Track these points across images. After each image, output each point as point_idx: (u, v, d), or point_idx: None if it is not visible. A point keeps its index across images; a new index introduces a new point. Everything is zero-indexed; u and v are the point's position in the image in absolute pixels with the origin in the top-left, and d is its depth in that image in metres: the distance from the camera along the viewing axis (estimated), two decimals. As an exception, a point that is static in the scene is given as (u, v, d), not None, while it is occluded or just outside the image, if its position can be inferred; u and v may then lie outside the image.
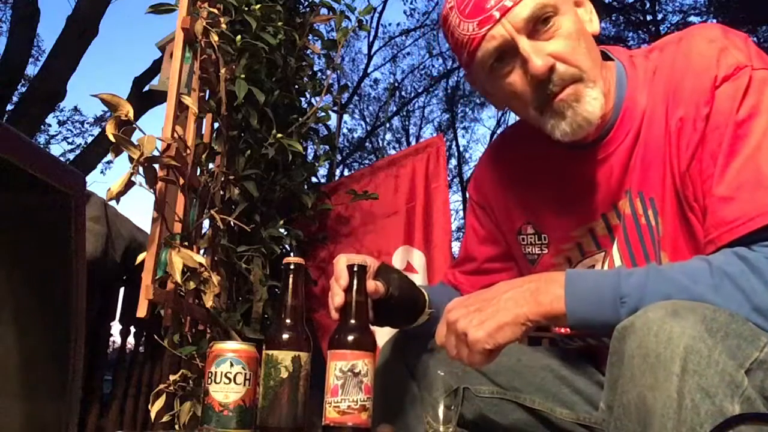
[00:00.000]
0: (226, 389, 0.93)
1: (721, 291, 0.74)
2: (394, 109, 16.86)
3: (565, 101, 0.88)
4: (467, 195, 1.35)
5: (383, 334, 2.34)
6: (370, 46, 15.53)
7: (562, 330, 1.07)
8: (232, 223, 1.59)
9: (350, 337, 0.96)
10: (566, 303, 0.80)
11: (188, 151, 1.39)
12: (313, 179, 2.29)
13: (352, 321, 0.98)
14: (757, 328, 0.69)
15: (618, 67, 0.95)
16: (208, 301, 1.35)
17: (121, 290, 2.64)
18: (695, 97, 0.84)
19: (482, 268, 1.20)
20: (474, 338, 0.81)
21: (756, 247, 0.76)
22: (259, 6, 1.73)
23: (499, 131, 18.19)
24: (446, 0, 0.93)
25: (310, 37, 2.07)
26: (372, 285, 0.99)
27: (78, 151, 10.74)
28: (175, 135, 1.33)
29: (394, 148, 16.90)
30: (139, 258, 1.29)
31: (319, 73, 2.35)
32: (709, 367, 0.63)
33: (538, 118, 0.92)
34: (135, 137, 1.15)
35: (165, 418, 1.40)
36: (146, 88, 6.38)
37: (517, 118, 1.06)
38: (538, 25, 0.86)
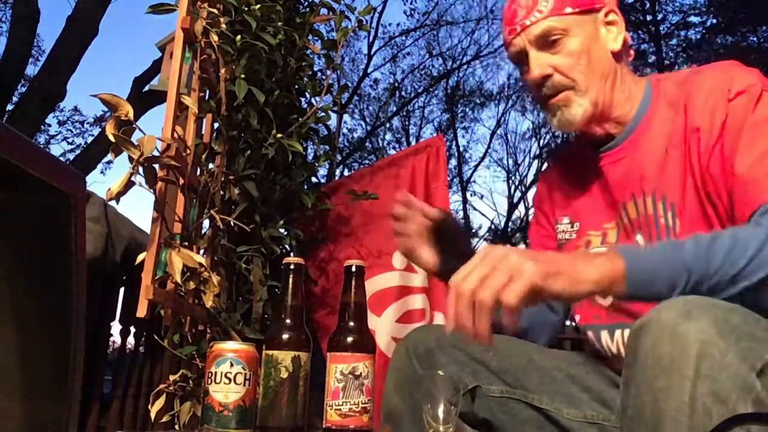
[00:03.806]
0: (226, 389, 0.93)
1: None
2: (394, 109, 16.86)
3: (555, 104, 1.08)
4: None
5: (383, 335, 2.34)
6: (370, 46, 15.54)
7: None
8: (232, 223, 1.59)
9: (350, 340, 0.96)
10: (626, 265, 0.79)
11: (188, 151, 1.39)
12: (313, 179, 2.29)
13: (352, 323, 0.98)
14: None
15: (647, 86, 1.12)
16: (208, 301, 1.35)
17: (121, 290, 2.64)
18: (711, 109, 0.97)
19: None
20: (530, 272, 0.75)
21: None
22: (259, 6, 1.73)
23: (499, 131, 18.24)
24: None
25: (310, 37, 2.07)
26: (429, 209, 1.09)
27: (78, 151, 10.75)
28: (175, 135, 1.33)
29: (394, 148, 16.92)
30: (139, 258, 1.29)
31: (319, 73, 2.35)
32: (722, 371, 0.64)
33: (542, 109, 1.14)
34: (135, 137, 1.15)
35: (165, 418, 1.40)
36: (146, 88, 6.39)
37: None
38: (548, 41, 1.06)
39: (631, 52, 1.15)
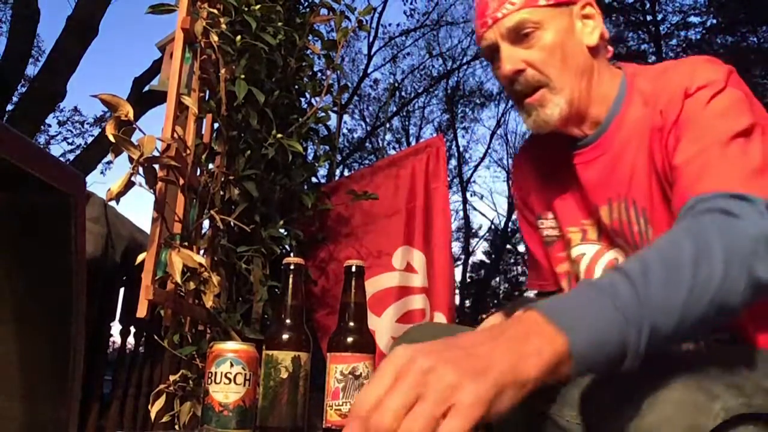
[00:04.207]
0: (226, 389, 0.93)
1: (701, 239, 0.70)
2: (394, 109, 16.86)
3: (531, 104, 1.03)
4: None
5: (383, 335, 2.34)
6: (370, 47, 15.54)
7: None
8: (231, 223, 1.59)
9: (350, 340, 0.96)
10: (569, 342, 0.61)
11: (188, 152, 1.39)
12: (313, 179, 2.29)
13: (352, 323, 0.98)
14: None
15: (622, 81, 1.07)
16: (208, 301, 1.35)
17: (121, 290, 2.64)
18: (669, 106, 0.93)
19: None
20: (471, 399, 0.53)
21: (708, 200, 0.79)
22: (259, 6, 1.73)
23: (499, 131, 18.24)
24: None
25: (310, 37, 2.07)
26: None
27: (78, 152, 10.75)
28: (175, 135, 1.33)
29: (394, 148, 16.92)
30: (139, 258, 1.29)
31: (319, 74, 2.35)
32: None
33: (516, 108, 1.08)
34: (135, 137, 1.15)
35: (165, 418, 1.40)
36: (146, 89, 6.39)
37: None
38: (520, 35, 1.01)
39: (609, 48, 1.09)
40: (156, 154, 1.22)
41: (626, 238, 1.02)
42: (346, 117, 15.64)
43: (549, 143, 1.15)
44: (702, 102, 0.90)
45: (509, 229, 17.61)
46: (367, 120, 17.19)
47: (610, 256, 1.09)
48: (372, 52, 15.70)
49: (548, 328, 0.61)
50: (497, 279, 19.72)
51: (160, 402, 1.37)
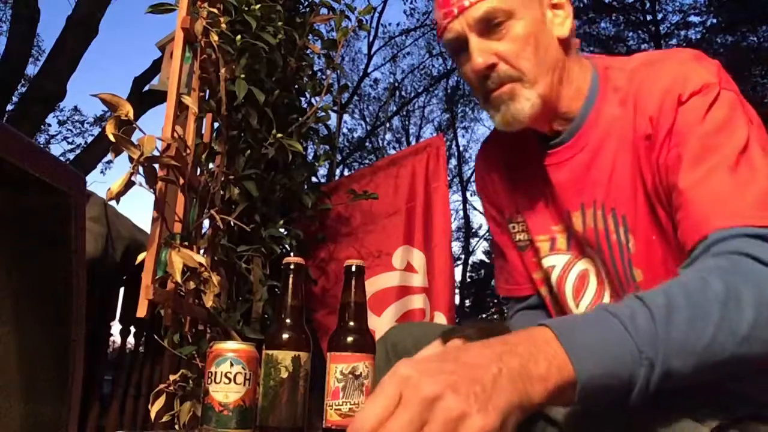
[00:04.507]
0: (226, 389, 0.93)
1: (730, 295, 0.66)
2: (394, 109, 16.86)
3: (499, 97, 0.95)
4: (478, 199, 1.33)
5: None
6: (370, 46, 15.55)
7: None
8: (232, 223, 1.59)
9: (350, 339, 0.96)
10: (577, 373, 0.60)
11: (188, 151, 1.39)
12: (313, 179, 2.29)
13: (352, 323, 0.98)
14: None
15: (593, 75, 1.00)
16: (208, 301, 1.35)
17: (121, 290, 2.64)
18: (662, 114, 0.86)
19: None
20: (478, 427, 0.52)
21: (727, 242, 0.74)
22: (259, 6, 1.73)
23: (499, 131, 18.23)
24: None
25: (310, 36, 2.07)
26: None
27: (78, 151, 10.75)
28: (175, 135, 1.33)
29: (394, 148, 16.93)
30: (139, 258, 1.29)
31: (319, 73, 2.35)
32: None
33: (482, 105, 1.00)
34: (135, 137, 1.15)
35: (165, 418, 1.40)
36: (146, 88, 6.39)
37: None
38: (490, 26, 0.93)
39: (576, 40, 1.02)
40: (156, 153, 1.22)
41: (602, 247, 0.96)
42: (346, 117, 15.65)
43: (515, 140, 1.08)
44: (699, 113, 0.83)
45: (509, 229, 17.57)
46: (367, 120, 17.20)
47: (580, 267, 1.03)
48: (372, 52, 15.71)
49: (559, 352, 0.59)
50: (497, 279, 19.68)
51: (160, 402, 1.37)
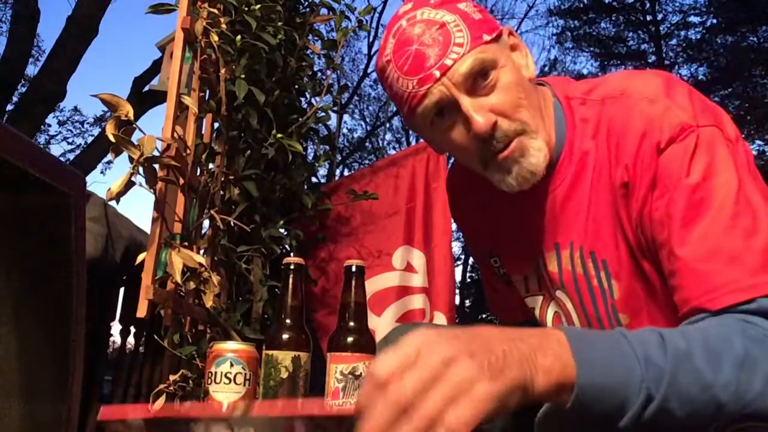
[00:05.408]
0: (226, 389, 0.93)
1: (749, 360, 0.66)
2: (394, 109, 16.85)
3: (509, 158, 0.86)
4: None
5: (383, 335, 2.33)
6: (370, 46, 15.54)
7: None
8: (232, 223, 1.59)
9: (350, 339, 0.96)
10: (578, 374, 0.61)
11: (188, 151, 1.39)
12: (313, 179, 2.29)
13: (352, 323, 0.98)
14: None
15: (556, 106, 0.93)
16: (208, 301, 1.35)
17: (121, 290, 2.64)
18: (638, 162, 0.82)
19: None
20: (482, 394, 0.55)
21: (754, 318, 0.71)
22: (259, 6, 1.73)
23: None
24: (381, 50, 0.90)
25: (310, 37, 2.07)
26: None
27: (78, 151, 10.76)
28: (175, 135, 1.33)
29: (394, 148, 16.93)
30: (139, 258, 1.29)
31: (319, 73, 2.35)
32: None
33: (482, 171, 0.91)
34: (135, 137, 1.15)
35: (165, 418, 1.40)
36: (146, 88, 6.39)
37: None
38: (477, 80, 0.84)
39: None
40: (156, 153, 1.22)
41: (581, 291, 0.92)
42: (346, 117, 15.65)
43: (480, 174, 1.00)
44: (681, 163, 0.78)
45: (509, 229, 17.58)
46: (367, 120, 17.20)
47: (552, 311, 1.01)
48: (372, 52, 15.70)
49: (566, 353, 0.61)
50: (497, 279, 19.68)
51: (160, 402, 1.37)
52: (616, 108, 0.86)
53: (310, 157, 2.22)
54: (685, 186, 0.77)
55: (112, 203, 1.48)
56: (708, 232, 0.75)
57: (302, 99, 2.15)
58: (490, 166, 0.88)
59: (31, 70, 9.85)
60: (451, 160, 1.13)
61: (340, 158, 14.71)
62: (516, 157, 0.86)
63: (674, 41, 14.01)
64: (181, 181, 1.38)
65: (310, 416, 0.58)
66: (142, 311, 1.23)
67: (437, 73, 0.83)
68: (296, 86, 2.06)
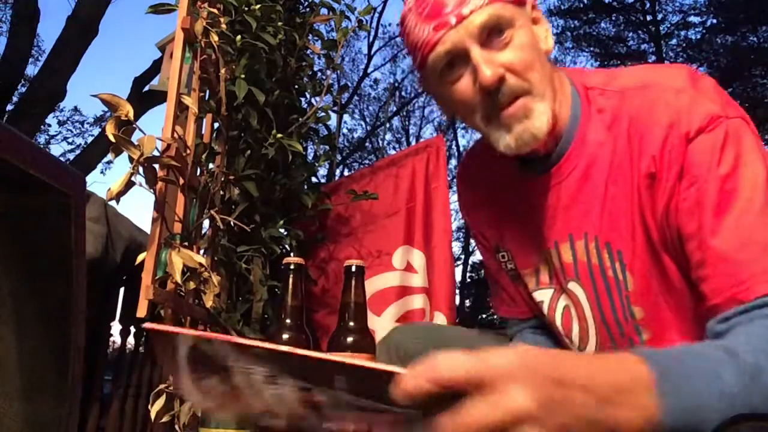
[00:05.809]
0: (226, 389, 0.93)
1: None
2: (394, 109, 16.87)
3: (513, 116, 0.85)
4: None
5: (383, 335, 2.33)
6: (370, 46, 15.56)
7: None
8: (232, 223, 1.59)
9: (350, 340, 0.96)
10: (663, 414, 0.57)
11: (188, 151, 1.39)
12: (313, 179, 2.29)
13: (352, 323, 0.98)
14: None
15: (573, 95, 0.92)
16: (208, 301, 1.35)
17: (121, 290, 2.64)
18: (665, 152, 0.81)
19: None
20: None
21: None
22: (259, 6, 1.73)
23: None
24: (406, 1, 0.92)
25: (310, 37, 2.07)
26: None
27: (78, 151, 10.76)
28: (175, 135, 1.33)
29: (394, 148, 16.94)
30: (139, 258, 1.29)
31: (319, 73, 2.35)
32: None
33: (483, 128, 0.90)
34: (135, 137, 1.15)
35: (165, 419, 1.40)
36: (146, 88, 6.40)
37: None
38: (492, 34, 0.84)
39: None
40: (156, 153, 1.22)
41: (595, 280, 0.92)
42: (346, 117, 15.67)
43: (495, 161, 1.00)
44: (712, 154, 0.78)
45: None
46: (367, 120, 17.21)
47: (563, 304, 1.00)
48: (372, 52, 15.72)
49: (649, 394, 0.56)
50: (497, 279, 19.69)
51: (160, 402, 1.37)
52: (639, 100, 0.85)
53: (310, 157, 2.23)
54: (716, 176, 0.77)
55: (112, 203, 1.49)
56: (740, 223, 0.75)
57: (302, 99, 2.16)
58: (492, 122, 0.87)
59: (31, 70, 9.87)
60: (452, 161, 1.13)
61: (340, 158, 14.72)
62: (520, 116, 0.85)
63: (674, 41, 14.03)
64: (181, 181, 1.38)
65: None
66: (142, 311, 1.23)
67: (453, 20, 0.84)
68: (296, 86, 2.06)
